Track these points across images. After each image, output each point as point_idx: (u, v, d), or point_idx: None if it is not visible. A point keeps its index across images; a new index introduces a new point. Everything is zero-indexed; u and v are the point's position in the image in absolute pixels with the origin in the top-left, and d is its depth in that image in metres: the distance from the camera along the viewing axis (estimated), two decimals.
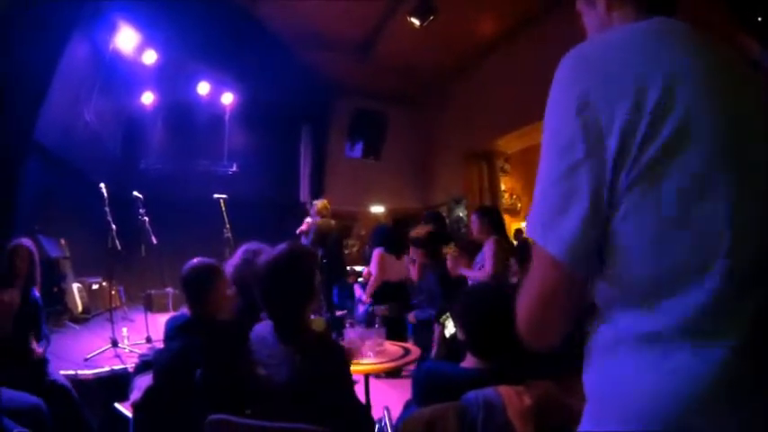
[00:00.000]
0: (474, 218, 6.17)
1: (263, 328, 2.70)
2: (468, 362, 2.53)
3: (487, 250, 5.80)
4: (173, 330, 3.17)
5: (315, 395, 2.46)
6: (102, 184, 7.12)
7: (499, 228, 6.11)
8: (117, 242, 7.25)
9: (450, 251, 6.25)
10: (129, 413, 3.46)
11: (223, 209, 9.23)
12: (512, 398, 2.01)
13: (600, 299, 1.25)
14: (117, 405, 3.78)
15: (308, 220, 8.88)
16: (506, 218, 14.39)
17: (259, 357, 2.56)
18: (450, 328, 3.69)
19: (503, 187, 15.51)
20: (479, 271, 5.85)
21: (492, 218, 6.08)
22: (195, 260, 3.30)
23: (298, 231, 8.97)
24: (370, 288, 7.47)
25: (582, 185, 1.12)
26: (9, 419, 3.13)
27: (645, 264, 1.13)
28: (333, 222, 8.79)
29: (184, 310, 3.36)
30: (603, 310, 1.25)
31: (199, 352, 2.81)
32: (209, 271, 3.23)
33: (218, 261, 3.51)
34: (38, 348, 4.27)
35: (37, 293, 4.59)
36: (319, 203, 8.84)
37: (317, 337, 2.79)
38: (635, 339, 1.15)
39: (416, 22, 10.71)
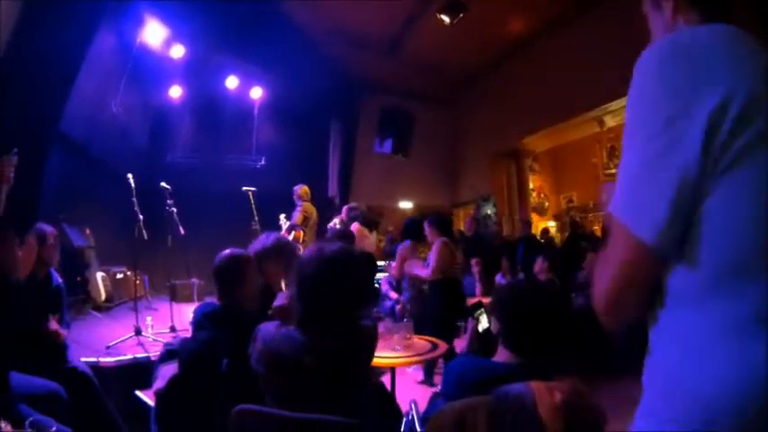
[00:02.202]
0: (426, 224, 6.97)
1: (277, 339, 2.48)
2: (501, 356, 2.51)
3: (434, 250, 6.63)
4: (201, 319, 3.16)
5: (347, 377, 2.40)
6: (129, 175, 7.10)
7: (446, 231, 6.94)
8: (144, 232, 7.24)
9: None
10: (150, 401, 3.43)
11: (252, 202, 9.21)
12: (543, 393, 1.93)
13: (675, 285, 1.23)
14: (139, 393, 3.76)
15: (337, 219, 9.06)
16: (534, 216, 14.40)
17: (279, 351, 2.40)
18: (483, 323, 3.64)
19: (531, 186, 15.45)
20: (424, 268, 6.65)
21: (440, 224, 6.93)
22: (228, 251, 3.32)
23: (329, 227, 9.12)
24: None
25: (673, 170, 1.14)
26: (26, 405, 3.09)
27: (731, 247, 1.13)
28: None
29: (210, 299, 3.32)
30: (678, 297, 1.22)
31: (226, 342, 2.82)
32: (242, 262, 3.25)
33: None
34: (61, 330, 4.23)
35: (59, 278, 4.57)
36: (300, 189, 9.20)
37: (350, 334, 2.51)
38: (712, 325, 1.14)
39: (446, 19, 10.67)
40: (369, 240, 8.57)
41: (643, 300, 1.27)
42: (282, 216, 9.16)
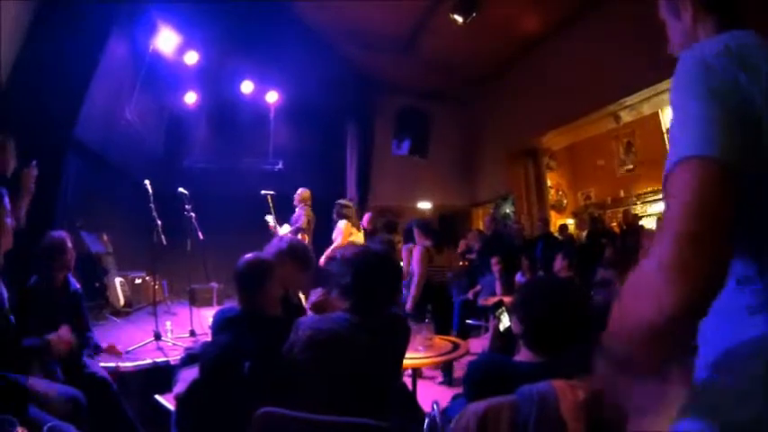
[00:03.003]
0: (414, 228, 7.66)
1: (328, 321, 2.82)
2: (523, 355, 2.55)
3: (416, 254, 7.21)
4: (222, 323, 3.17)
5: (382, 372, 2.76)
6: (146, 181, 7.10)
7: (430, 235, 7.51)
8: (162, 238, 7.23)
9: None
10: (170, 405, 3.42)
11: (271, 205, 9.24)
12: (565, 392, 1.97)
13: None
14: (158, 397, 3.75)
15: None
16: (552, 214, 14.36)
17: (330, 349, 2.68)
18: (504, 322, 3.63)
19: (549, 183, 15.39)
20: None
21: (423, 228, 7.61)
22: (250, 255, 3.33)
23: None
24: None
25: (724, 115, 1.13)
26: (43, 411, 3.08)
27: None
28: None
29: (230, 303, 3.34)
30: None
31: (248, 346, 2.87)
32: (264, 266, 3.26)
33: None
34: (71, 338, 4.24)
35: (76, 284, 4.58)
36: (304, 193, 9.32)
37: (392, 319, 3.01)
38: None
39: (459, 18, 10.60)
40: (356, 238, 8.76)
41: (726, 235, 1.06)
42: (270, 218, 9.21)
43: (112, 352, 4.69)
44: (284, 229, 8.95)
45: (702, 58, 1.22)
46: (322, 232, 9.15)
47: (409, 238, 8.02)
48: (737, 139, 1.08)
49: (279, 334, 2.86)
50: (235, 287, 3.26)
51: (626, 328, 1.15)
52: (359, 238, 8.84)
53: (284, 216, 9.34)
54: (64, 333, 3.93)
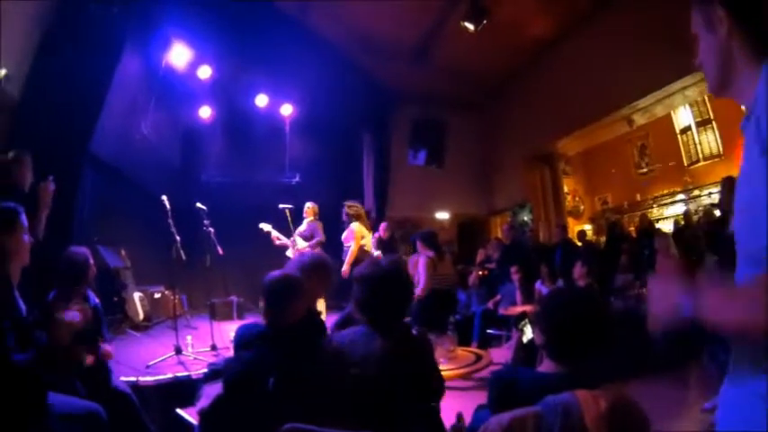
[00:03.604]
0: (417, 240, 7.89)
1: (350, 335, 2.97)
2: (546, 366, 2.52)
3: (421, 265, 7.41)
4: (245, 339, 3.20)
5: (403, 385, 2.75)
6: (164, 197, 7.11)
7: (433, 246, 7.73)
8: (182, 253, 7.24)
9: None
10: (192, 420, 3.42)
11: (289, 219, 9.23)
12: (589, 402, 2.02)
13: None
14: (180, 411, 3.75)
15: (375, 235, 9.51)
16: (569, 220, 14.32)
17: (351, 360, 2.77)
18: (528, 334, 3.63)
19: (565, 189, 15.32)
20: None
21: (426, 240, 7.81)
22: (278, 272, 3.33)
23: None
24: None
25: None
26: (65, 425, 3.09)
27: None
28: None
29: (251, 318, 3.36)
30: None
31: (272, 361, 2.89)
32: (293, 284, 3.26)
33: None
34: (105, 347, 4.26)
35: (95, 298, 4.59)
36: (315, 207, 9.56)
37: (406, 332, 3.14)
38: None
39: (470, 26, 10.61)
40: (367, 240, 8.90)
41: None
42: (269, 226, 9.24)
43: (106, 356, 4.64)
44: (301, 243, 8.97)
45: None
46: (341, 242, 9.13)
47: (414, 249, 8.08)
48: None
49: (303, 350, 2.92)
50: (261, 303, 3.26)
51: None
52: (370, 238, 9.01)
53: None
54: (107, 347, 3.97)
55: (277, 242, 9.11)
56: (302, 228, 9.21)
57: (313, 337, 3.11)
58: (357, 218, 8.74)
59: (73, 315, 3.10)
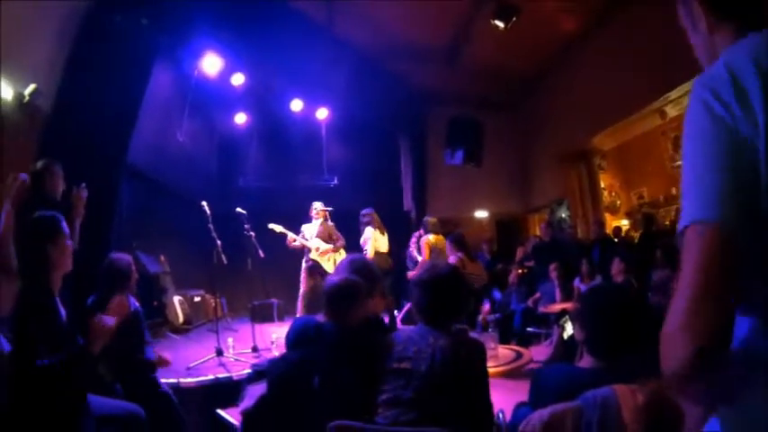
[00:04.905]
0: (447, 241, 8.41)
1: (407, 331, 3.11)
2: (585, 361, 2.61)
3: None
4: (299, 336, 3.28)
5: (454, 381, 2.77)
6: (204, 203, 7.18)
7: (462, 247, 8.11)
8: (223, 257, 7.30)
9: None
10: (234, 420, 3.46)
11: (329, 221, 9.38)
12: (626, 396, 2.05)
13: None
14: (221, 412, 3.78)
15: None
16: (606, 216, 14.19)
17: (405, 355, 2.86)
18: (568, 330, 3.63)
19: (602, 185, 15.16)
20: None
21: (456, 241, 8.20)
22: (340, 278, 3.43)
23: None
24: None
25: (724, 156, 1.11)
26: (104, 426, 3.13)
27: None
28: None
29: (303, 316, 3.40)
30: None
31: (320, 360, 2.98)
32: (356, 289, 3.34)
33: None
34: (151, 354, 4.33)
35: (136, 303, 4.64)
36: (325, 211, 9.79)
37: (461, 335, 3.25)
38: None
39: (501, 24, 10.58)
40: (380, 242, 9.42)
41: (726, 303, 1.11)
42: (281, 227, 9.30)
43: (162, 363, 4.69)
44: (323, 246, 9.17)
45: (701, 93, 1.18)
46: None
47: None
48: (736, 197, 1.08)
49: (358, 348, 3.05)
50: (324, 307, 3.32)
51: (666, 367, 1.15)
52: (383, 239, 9.40)
53: (343, 232, 9.57)
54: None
55: (293, 244, 9.18)
56: (315, 229, 9.33)
57: (373, 338, 3.19)
58: (369, 223, 9.22)
59: (109, 320, 3.12)
